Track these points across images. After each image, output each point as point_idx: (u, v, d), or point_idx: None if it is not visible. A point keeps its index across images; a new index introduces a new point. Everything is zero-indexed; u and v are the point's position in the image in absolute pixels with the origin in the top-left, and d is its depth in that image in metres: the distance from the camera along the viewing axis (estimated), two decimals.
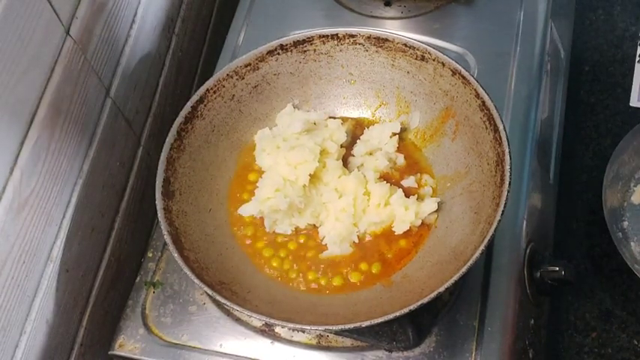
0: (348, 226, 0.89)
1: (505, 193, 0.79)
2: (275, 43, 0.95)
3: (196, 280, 0.79)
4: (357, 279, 0.87)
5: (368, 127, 0.98)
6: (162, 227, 0.83)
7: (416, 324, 0.86)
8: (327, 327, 0.79)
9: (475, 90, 0.87)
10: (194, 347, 0.91)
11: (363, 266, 0.88)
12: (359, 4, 1.16)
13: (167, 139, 0.89)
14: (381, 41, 0.94)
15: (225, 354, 0.91)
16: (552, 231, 1.11)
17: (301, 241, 0.91)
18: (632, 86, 1.28)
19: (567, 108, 1.25)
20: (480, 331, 0.89)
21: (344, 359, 0.89)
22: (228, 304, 0.78)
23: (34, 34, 0.73)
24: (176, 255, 0.81)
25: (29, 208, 0.76)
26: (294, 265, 0.89)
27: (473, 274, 0.92)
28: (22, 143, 0.74)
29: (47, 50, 0.76)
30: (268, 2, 1.18)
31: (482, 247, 0.76)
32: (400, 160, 0.95)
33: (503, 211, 0.78)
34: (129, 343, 0.93)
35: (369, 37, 0.94)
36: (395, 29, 1.13)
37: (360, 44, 0.95)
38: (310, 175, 0.90)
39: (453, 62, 0.89)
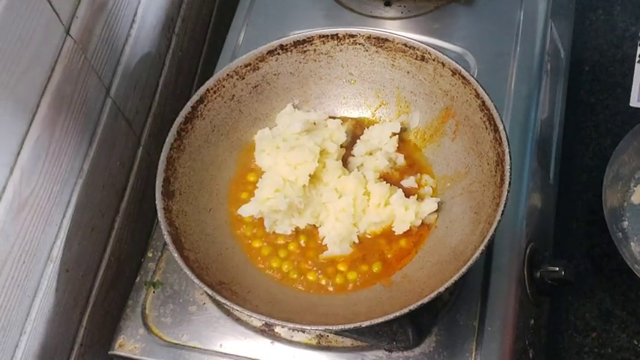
0: (348, 226, 0.89)
1: (505, 193, 0.79)
2: (275, 43, 0.95)
3: (196, 280, 0.79)
4: (356, 279, 0.87)
5: (368, 127, 0.98)
6: (162, 227, 0.83)
7: (416, 324, 0.86)
8: (327, 327, 0.79)
9: (475, 90, 0.87)
10: (194, 347, 0.91)
11: (363, 266, 0.88)
12: (359, 4, 1.16)
13: (167, 139, 0.89)
14: (381, 41, 0.94)
15: (225, 354, 0.91)
16: (552, 231, 1.11)
17: (301, 241, 0.91)
18: (632, 86, 1.28)
19: (567, 108, 1.25)
20: (480, 331, 0.89)
21: (344, 359, 0.89)
22: (228, 304, 0.78)
23: (34, 34, 0.73)
24: (176, 255, 0.81)
25: (29, 208, 0.76)
26: (294, 265, 0.89)
27: (473, 274, 0.92)
28: (22, 143, 0.74)
29: (47, 50, 0.76)
30: (268, 2, 1.18)
31: (482, 247, 0.76)
32: (400, 160, 0.95)
33: (503, 211, 0.78)
34: (129, 343, 0.93)
35: (369, 37, 0.94)
36: (395, 29, 1.13)
37: (360, 44, 0.95)
38: (310, 175, 0.90)
39: (453, 62, 0.89)
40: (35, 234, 0.77)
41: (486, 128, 0.86)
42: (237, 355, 0.91)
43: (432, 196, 0.91)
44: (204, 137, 0.94)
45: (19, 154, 0.73)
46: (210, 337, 0.92)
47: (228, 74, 0.94)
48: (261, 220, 0.91)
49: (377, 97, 0.99)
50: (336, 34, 0.95)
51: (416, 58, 0.93)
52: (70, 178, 0.84)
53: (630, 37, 1.40)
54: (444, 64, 0.90)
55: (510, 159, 0.81)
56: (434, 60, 0.91)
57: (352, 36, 0.95)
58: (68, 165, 0.83)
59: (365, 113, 1.00)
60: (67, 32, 0.79)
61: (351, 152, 0.96)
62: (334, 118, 0.99)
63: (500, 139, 0.83)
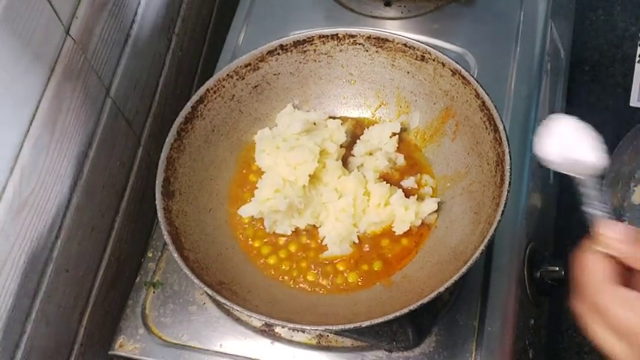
0: (348, 226, 0.89)
1: (505, 193, 0.79)
2: (275, 43, 0.95)
3: (196, 280, 0.79)
4: (356, 279, 0.87)
5: (368, 127, 0.98)
6: (162, 227, 0.83)
7: (416, 324, 0.86)
8: (327, 327, 0.79)
9: (475, 90, 0.87)
10: (194, 347, 0.91)
11: (363, 266, 0.88)
12: (359, 5, 1.16)
13: (167, 139, 0.89)
14: (381, 41, 0.94)
15: (225, 354, 0.91)
16: (552, 231, 1.11)
17: (301, 241, 0.91)
18: (632, 86, 1.29)
19: (567, 108, 1.25)
20: (480, 331, 0.89)
21: (344, 359, 0.89)
22: (228, 304, 0.78)
23: (34, 34, 0.73)
24: (176, 255, 0.81)
25: (29, 208, 0.76)
26: (294, 266, 0.89)
27: (473, 274, 0.92)
28: (22, 143, 0.74)
29: (47, 50, 0.76)
30: (268, 2, 1.19)
31: (482, 247, 0.76)
32: (400, 160, 0.95)
33: (503, 211, 0.78)
34: (129, 343, 0.93)
35: (369, 37, 0.94)
36: (395, 29, 1.13)
37: (360, 44, 0.95)
38: (310, 175, 0.90)
39: (453, 62, 0.89)
40: (35, 234, 0.77)
41: (486, 128, 0.86)
42: (237, 355, 0.91)
43: (432, 196, 0.91)
44: (204, 137, 0.94)
45: (19, 154, 0.73)
46: (210, 337, 0.92)
47: (228, 74, 0.94)
48: (261, 220, 0.91)
49: (377, 97, 0.99)
50: (336, 34, 0.95)
51: (416, 58, 0.93)
52: (70, 178, 0.84)
53: (630, 37, 1.40)
54: (444, 64, 0.90)
55: (510, 159, 0.81)
56: (434, 60, 0.91)
57: (352, 36, 0.95)
58: (68, 165, 0.83)
59: (365, 113, 1.00)
60: (67, 32, 0.79)
61: (351, 152, 0.96)
62: (334, 118, 0.99)
63: (500, 139, 0.83)
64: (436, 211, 0.90)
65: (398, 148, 0.96)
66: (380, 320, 0.75)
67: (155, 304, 0.95)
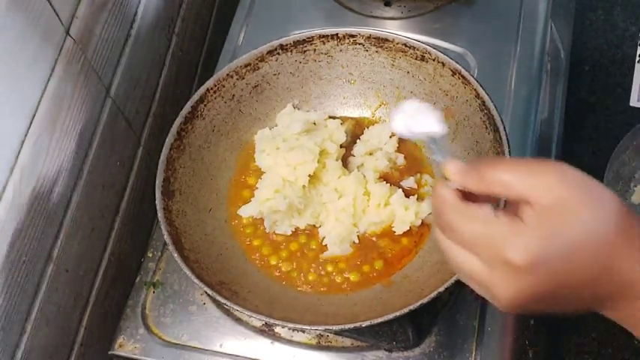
0: (348, 226, 0.89)
1: None
2: (275, 43, 0.95)
3: (196, 280, 0.79)
4: (357, 279, 0.87)
5: (368, 127, 0.98)
6: (162, 227, 0.83)
7: (416, 324, 0.86)
8: (327, 327, 0.79)
9: (475, 90, 0.87)
10: (194, 347, 0.91)
11: (364, 266, 0.88)
12: (359, 4, 1.16)
13: (167, 139, 0.89)
14: (381, 41, 0.94)
15: (225, 354, 0.91)
16: None
17: (301, 241, 0.91)
18: (632, 86, 1.29)
19: (567, 108, 1.25)
20: (479, 331, 0.89)
21: (344, 359, 0.89)
22: (228, 304, 0.78)
23: (34, 34, 0.73)
24: (176, 255, 0.81)
25: (29, 208, 0.76)
26: (295, 266, 0.89)
27: None
28: (22, 143, 0.74)
29: (47, 50, 0.76)
30: (268, 2, 1.18)
31: None
32: (400, 160, 0.95)
33: None
34: (129, 343, 0.93)
35: (369, 37, 0.94)
36: (395, 29, 1.13)
37: (360, 44, 0.95)
38: (310, 175, 0.90)
39: (453, 62, 0.89)
40: (35, 234, 0.77)
41: (486, 128, 0.86)
42: (237, 355, 0.91)
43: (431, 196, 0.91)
44: (204, 137, 0.94)
45: (19, 153, 0.73)
46: (210, 337, 0.92)
47: (228, 74, 0.94)
48: (262, 220, 0.91)
49: (377, 97, 0.99)
50: (336, 34, 0.95)
51: (416, 58, 0.93)
52: (70, 178, 0.84)
53: (630, 37, 1.41)
54: (444, 64, 0.90)
55: None
56: (434, 60, 0.91)
57: (352, 36, 0.95)
58: (68, 165, 0.83)
59: (365, 113, 1.00)
60: (67, 32, 0.79)
61: (351, 152, 0.96)
62: (334, 118, 0.99)
63: (500, 139, 0.83)
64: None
65: (398, 148, 0.96)
66: (380, 320, 0.75)
67: (155, 304, 0.95)
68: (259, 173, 0.94)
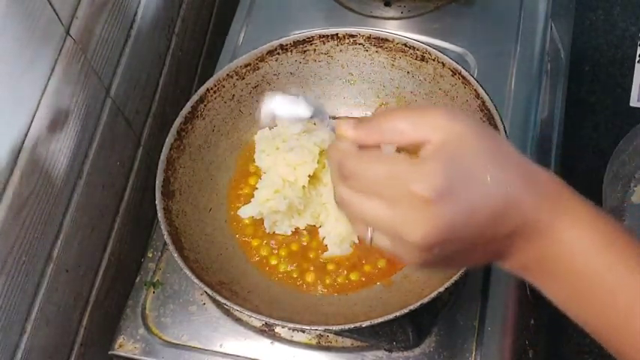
0: (348, 226, 0.88)
1: None
2: (275, 43, 0.95)
3: (196, 280, 0.79)
4: (357, 279, 0.87)
5: None
6: (162, 227, 0.83)
7: (416, 324, 0.86)
8: (327, 327, 0.79)
9: (475, 90, 0.87)
10: (194, 347, 0.91)
11: (364, 266, 0.88)
12: (359, 5, 1.16)
13: (167, 139, 0.89)
14: (381, 41, 0.94)
15: (225, 354, 0.91)
16: None
17: (302, 241, 0.91)
18: (632, 86, 1.29)
19: (567, 108, 1.25)
20: (480, 331, 0.89)
21: (344, 359, 0.89)
22: (228, 304, 0.78)
23: (34, 34, 0.73)
24: (176, 255, 0.81)
25: (29, 208, 0.76)
26: (295, 266, 0.89)
27: (473, 274, 0.92)
28: (22, 143, 0.74)
29: (47, 50, 0.76)
30: (268, 2, 1.18)
31: None
32: None
33: None
34: (129, 343, 0.93)
35: (369, 37, 0.94)
36: (395, 29, 1.13)
37: (360, 44, 0.95)
38: (310, 175, 0.90)
39: (453, 62, 0.89)
40: (35, 234, 0.77)
41: None
42: (237, 355, 0.91)
43: None
44: (204, 137, 0.94)
45: (19, 154, 0.73)
46: (210, 337, 0.92)
47: (228, 74, 0.94)
48: (262, 220, 0.91)
49: (377, 97, 0.99)
50: (336, 34, 0.95)
51: (416, 58, 0.93)
52: (70, 178, 0.84)
53: (630, 37, 1.41)
54: (444, 64, 0.90)
55: None
56: (434, 60, 0.91)
57: (352, 36, 0.95)
58: (68, 165, 0.83)
59: (365, 113, 1.00)
60: (67, 32, 0.79)
61: None
62: (334, 118, 0.99)
63: None
64: None
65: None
66: (380, 320, 0.75)
67: (155, 304, 0.95)
68: (259, 174, 0.94)
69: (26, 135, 0.74)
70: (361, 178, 0.53)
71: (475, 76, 0.90)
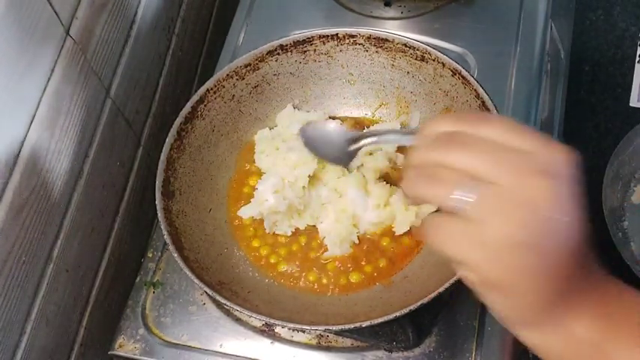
0: (347, 226, 0.88)
1: None
2: (275, 43, 0.95)
3: (196, 280, 0.79)
4: (357, 279, 0.87)
5: (368, 127, 0.98)
6: (162, 227, 0.83)
7: (416, 324, 0.86)
8: (327, 327, 0.79)
9: (475, 90, 0.87)
10: (194, 347, 0.91)
11: (364, 266, 0.88)
12: (359, 4, 1.16)
13: (167, 139, 0.89)
14: (381, 41, 0.94)
15: (225, 354, 0.91)
16: None
17: (302, 241, 0.91)
18: (632, 86, 1.29)
19: (567, 108, 1.24)
20: (479, 331, 0.89)
21: (344, 359, 0.89)
22: (228, 304, 0.78)
23: (34, 34, 0.73)
24: (176, 255, 0.81)
25: (29, 208, 0.76)
26: (295, 266, 0.89)
27: None
28: (22, 143, 0.74)
29: (47, 50, 0.76)
30: (268, 2, 1.18)
31: None
32: (400, 159, 0.95)
33: None
34: (129, 343, 0.93)
35: (369, 38, 0.94)
36: (395, 29, 1.13)
37: (360, 44, 0.95)
38: (309, 176, 0.90)
39: (453, 62, 0.89)
40: (35, 234, 0.77)
41: None
42: (237, 355, 0.91)
43: None
44: (204, 137, 0.94)
45: (19, 154, 0.73)
46: (210, 337, 0.92)
47: (228, 74, 0.94)
48: (261, 220, 0.91)
49: (377, 97, 0.99)
50: (336, 34, 0.95)
51: (416, 58, 0.93)
52: (70, 178, 0.84)
53: (630, 37, 1.40)
54: (444, 64, 0.90)
55: None
56: (434, 60, 0.91)
57: (352, 36, 0.95)
58: (68, 165, 0.83)
59: (365, 113, 1.00)
60: (67, 32, 0.79)
61: None
62: (334, 118, 0.99)
63: None
64: (436, 211, 0.89)
65: (398, 148, 0.95)
66: (380, 320, 0.75)
67: (155, 304, 0.95)
68: (259, 174, 0.94)
69: (26, 135, 0.74)
70: (472, 148, 0.52)
71: (475, 76, 0.90)
